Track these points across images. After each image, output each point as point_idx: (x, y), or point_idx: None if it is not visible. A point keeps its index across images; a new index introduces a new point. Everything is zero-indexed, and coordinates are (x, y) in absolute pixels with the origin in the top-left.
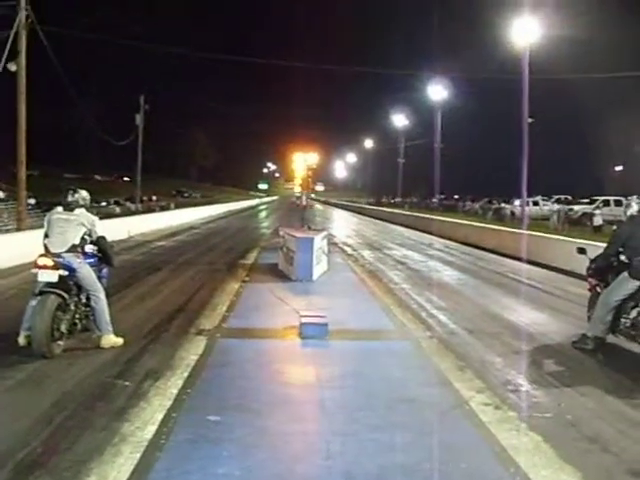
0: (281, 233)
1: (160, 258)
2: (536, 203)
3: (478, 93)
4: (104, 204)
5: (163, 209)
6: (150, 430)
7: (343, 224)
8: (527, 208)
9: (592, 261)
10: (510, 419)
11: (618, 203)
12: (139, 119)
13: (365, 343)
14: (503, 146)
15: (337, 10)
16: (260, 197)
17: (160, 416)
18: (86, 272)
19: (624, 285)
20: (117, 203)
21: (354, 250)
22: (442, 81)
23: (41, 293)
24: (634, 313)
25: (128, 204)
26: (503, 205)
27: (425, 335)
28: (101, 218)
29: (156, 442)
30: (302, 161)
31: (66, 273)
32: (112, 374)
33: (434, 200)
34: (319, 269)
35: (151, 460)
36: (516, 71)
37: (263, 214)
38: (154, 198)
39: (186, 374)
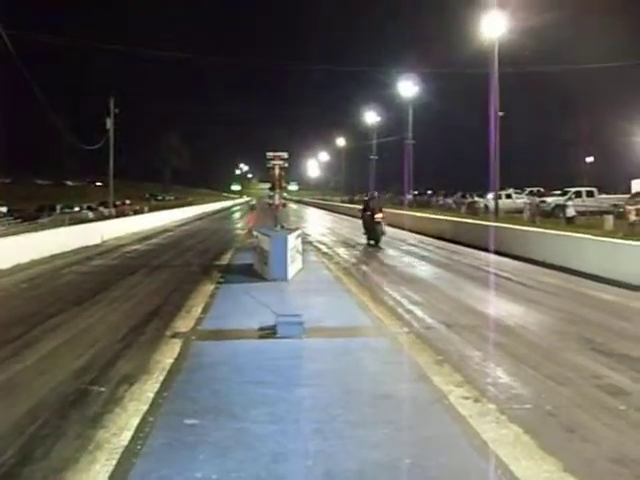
0: (255, 233)
1: (134, 262)
2: (509, 196)
3: (449, 88)
4: (77, 209)
5: (137, 213)
6: (126, 436)
7: (317, 222)
8: (500, 201)
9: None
10: (490, 411)
11: (590, 194)
12: (109, 123)
13: (342, 340)
14: (475, 140)
15: (307, 9)
16: (233, 198)
17: (136, 421)
18: None
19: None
20: (90, 208)
21: (329, 248)
22: (412, 77)
23: None
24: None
25: (101, 209)
26: (476, 199)
27: (402, 330)
28: (74, 224)
29: (132, 448)
30: (274, 160)
31: None
32: (86, 380)
33: (408, 196)
34: (294, 268)
35: (127, 466)
36: (486, 64)
37: (237, 215)
38: (127, 202)
39: (162, 378)
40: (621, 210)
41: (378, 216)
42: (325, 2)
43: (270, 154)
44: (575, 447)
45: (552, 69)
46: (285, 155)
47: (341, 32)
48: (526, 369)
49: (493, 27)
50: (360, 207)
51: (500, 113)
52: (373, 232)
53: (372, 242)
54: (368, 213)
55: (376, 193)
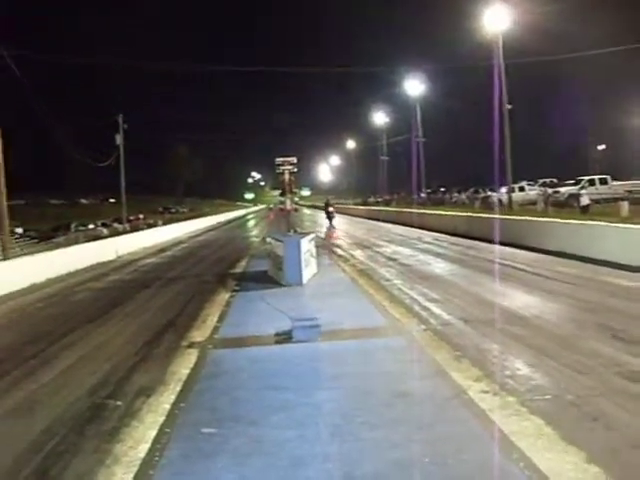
0: (268, 240)
1: (149, 275)
2: (522, 189)
3: (457, 84)
4: (91, 227)
5: (150, 227)
6: (143, 448)
7: None
8: (513, 194)
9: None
10: (510, 404)
11: (603, 182)
12: (119, 139)
13: (358, 342)
14: (486, 135)
15: (311, 10)
16: (247, 207)
17: (153, 433)
18: None
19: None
20: (104, 225)
21: (344, 250)
22: (419, 75)
23: None
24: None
25: (115, 225)
26: (490, 193)
27: (419, 328)
28: (88, 241)
29: (149, 460)
30: (283, 166)
31: None
32: (103, 395)
33: (422, 195)
34: (308, 272)
35: (144, 479)
36: (492, 57)
37: (251, 223)
38: (141, 217)
39: (178, 388)
40: (636, 196)
41: (330, 209)
42: (328, 3)
43: (279, 159)
44: (598, 436)
45: (561, 57)
46: (294, 160)
47: (345, 33)
48: (545, 360)
49: (497, 19)
50: (324, 207)
51: (508, 106)
52: (329, 217)
53: (329, 223)
54: (326, 207)
55: (330, 197)
